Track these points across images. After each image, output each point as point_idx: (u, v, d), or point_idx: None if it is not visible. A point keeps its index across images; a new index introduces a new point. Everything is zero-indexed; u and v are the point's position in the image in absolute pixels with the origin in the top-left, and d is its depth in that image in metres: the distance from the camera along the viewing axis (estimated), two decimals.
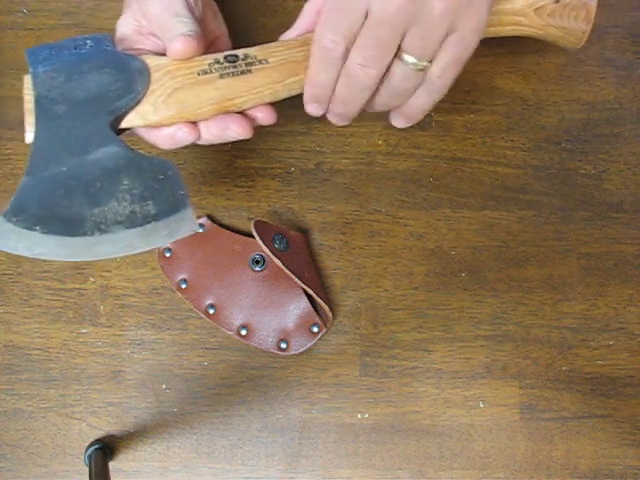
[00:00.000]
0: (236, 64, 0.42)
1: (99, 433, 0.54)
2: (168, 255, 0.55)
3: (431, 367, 0.55)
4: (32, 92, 0.39)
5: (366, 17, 0.37)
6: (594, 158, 0.59)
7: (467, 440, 0.54)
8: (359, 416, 0.54)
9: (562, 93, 0.60)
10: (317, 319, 0.54)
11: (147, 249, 0.38)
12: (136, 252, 0.38)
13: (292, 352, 0.54)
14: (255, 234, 0.51)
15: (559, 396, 0.54)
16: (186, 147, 0.58)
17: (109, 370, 0.54)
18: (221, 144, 0.58)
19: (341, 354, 0.55)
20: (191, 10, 0.43)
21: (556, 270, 0.57)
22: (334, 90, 0.41)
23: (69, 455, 0.53)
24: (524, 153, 0.59)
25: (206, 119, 0.42)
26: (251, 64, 0.42)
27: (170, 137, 0.42)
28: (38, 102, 0.39)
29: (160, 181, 0.38)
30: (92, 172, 0.38)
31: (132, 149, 0.39)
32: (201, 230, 0.56)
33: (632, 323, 0.56)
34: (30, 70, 0.40)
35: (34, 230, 0.36)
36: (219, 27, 0.49)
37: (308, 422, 0.54)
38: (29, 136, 0.39)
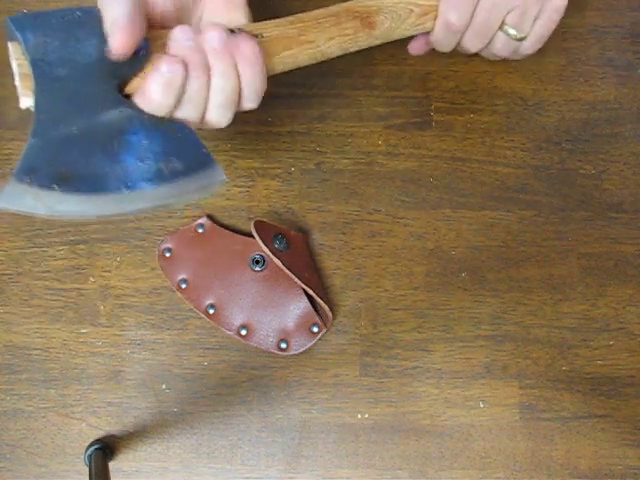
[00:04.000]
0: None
1: (99, 433, 0.54)
2: (168, 255, 0.55)
3: (431, 367, 0.55)
4: (25, 57, 0.37)
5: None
6: (594, 158, 0.59)
7: (467, 440, 0.54)
8: (359, 416, 0.54)
9: (562, 93, 0.60)
10: (317, 319, 0.54)
11: (179, 205, 0.38)
12: (167, 207, 0.37)
13: (292, 352, 0.54)
14: (255, 234, 0.51)
15: (559, 396, 0.54)
16: None
17: (109, 370, 0.54)
18: (221, 143, 0.58)
19: (341, 354, 0.55)
20: None
21: (556, 270, 0.57)
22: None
23: (69, 455, 0.53)
24: (524, 153, 0.59)
25: None
26: None
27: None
28: (35, 65, 0.36)
29: (179, 139, 0.38)
30: (106, 132, 0.36)
31: (144, 111, 0.38)
32: (201, 230, 0.56)
33: (632, 323, 0.56)
34: (17, 36, 0.37)
35: (52, 189, 0.34)
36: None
37: (308, 422, 0.54)
38: (26, 101, 0.37)
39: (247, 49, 0.41)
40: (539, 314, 0.56)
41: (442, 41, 0.49)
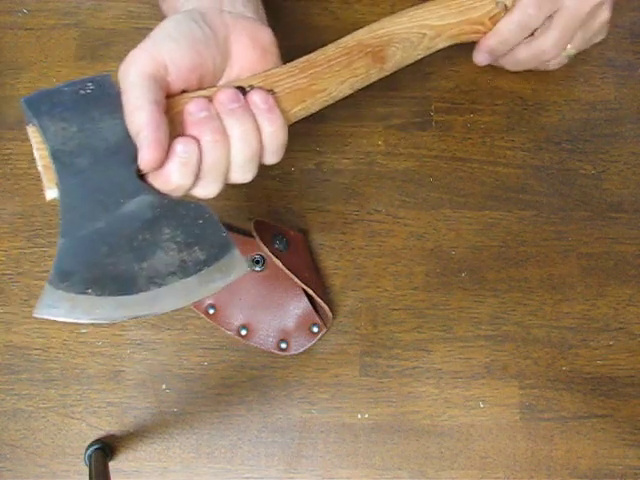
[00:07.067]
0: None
1: (99, 433, 0.54)
2: None
3: (431, 367, 0.55)
4: (45, 146, 0.37)
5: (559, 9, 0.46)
6: (594, 158, 0.59)
7: (467, 440, 0.54)
8: (359, 416, 0.54)
9: (562, 93, 0.60)
10: (317, 319, 0.54)
11: (207, 295, 0.38)
12: (196, 301, 0.37)
13: (292, 352, 0.54)
14: (255, 234, 0.51)
15: (559, 396, 0.54)
16: None
17: (109, 370, 0.54)
18: None
19: (341, 354, 0.55)
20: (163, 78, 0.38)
21: (556, 270, 0.57)
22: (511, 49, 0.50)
23: (69, 455, 0.53)
24: (524, 153, 0.59)
25: None
26: None
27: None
28: (55, 157, 0.36)
29: (200, 226, 0.38)
30: (131, 225, 0.37)
31: (164, 195, 0.38)
32: None
33: (632, 323, 0.56)
34: (35, 122, 0.37)
35: (87, 294, 0.35)
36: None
37: (308, 422, 0.54)
38: (51, 193, 0.37)
39: (263, 105, 0.40)
40: (539, 314, 0.56)
41: (509, 33, 0.48)
